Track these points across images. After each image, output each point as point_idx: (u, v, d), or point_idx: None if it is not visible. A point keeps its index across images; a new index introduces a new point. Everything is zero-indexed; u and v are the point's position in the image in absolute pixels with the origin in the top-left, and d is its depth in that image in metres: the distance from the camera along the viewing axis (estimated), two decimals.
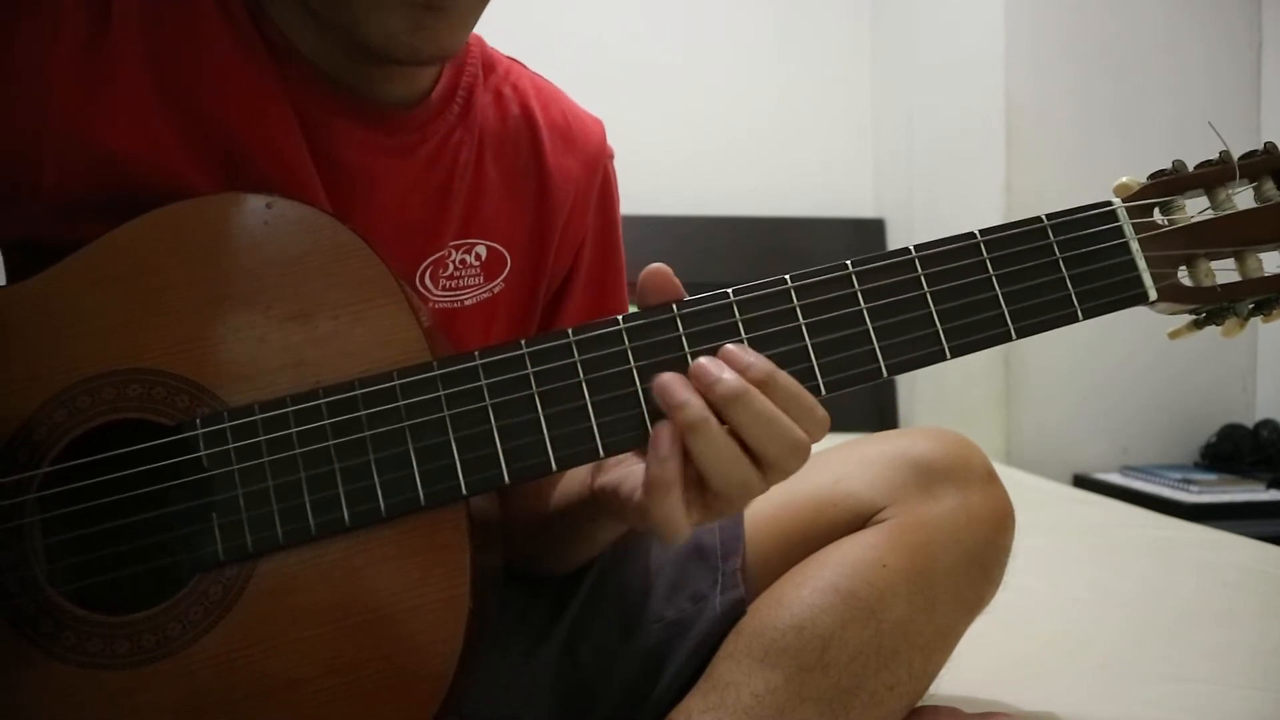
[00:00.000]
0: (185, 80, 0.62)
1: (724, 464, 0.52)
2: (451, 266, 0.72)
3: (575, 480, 0.70)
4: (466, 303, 0.73)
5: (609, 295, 0.81)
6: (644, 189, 2.53)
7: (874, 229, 2.83)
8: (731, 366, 0.53)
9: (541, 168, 0.76)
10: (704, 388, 0.52)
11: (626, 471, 0.59)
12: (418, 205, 0.70)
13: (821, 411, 0.54)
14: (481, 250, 0.73)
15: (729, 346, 0.54)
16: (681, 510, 0.53)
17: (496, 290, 0.74)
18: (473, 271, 0.73)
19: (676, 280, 0.57)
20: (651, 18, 2.80)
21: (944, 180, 2.55)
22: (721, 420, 0.52)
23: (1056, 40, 2.32)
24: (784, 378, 0.53)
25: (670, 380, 0.52)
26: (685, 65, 2.79)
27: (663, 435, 0.52)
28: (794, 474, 0.54)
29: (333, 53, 0.65)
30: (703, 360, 0.53)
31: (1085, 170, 2.21)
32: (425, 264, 0.70)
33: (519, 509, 0.73)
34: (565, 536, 0.72)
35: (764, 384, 0.52)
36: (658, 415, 0.54)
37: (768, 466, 0.53)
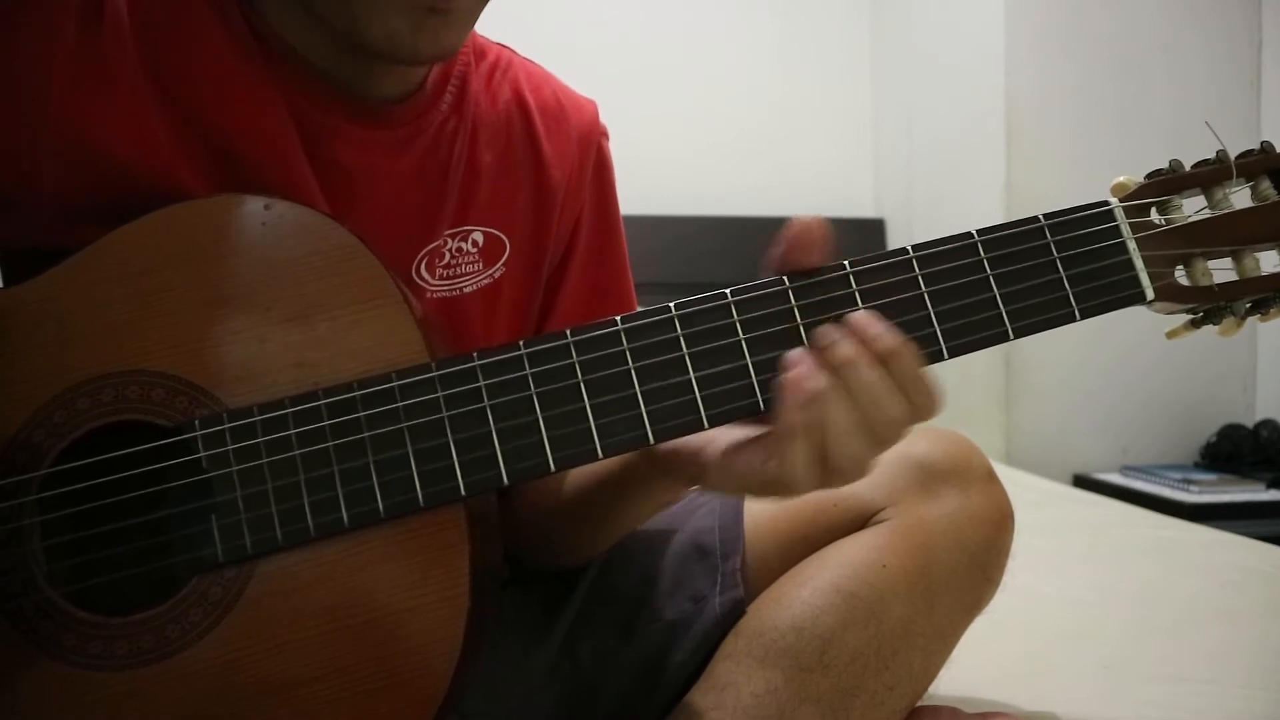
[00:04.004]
0: (180, 81, 0.62)
1: (841, 431, 0.53)
2: (448, 255, 0.72)
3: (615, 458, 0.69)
4: (466, 290, 0.73)
5: (609, 276, 0.81)
6: (644, 189, 2.53)
7: (874, 229, 2.83)
8: (860, 332, 0.54)
9: (535, 149, 0.76)
10: (823, 347, 0.54)
11: (709, 436, 0.58)
12: (413, 197, 0.70)
13: (938, 393, 0.55)
14: (478, 236, 0.73)
15: (860, 313, 0.55)
16: (810, 464, 0.54)
17: (498, 275, 0.74)
18: (470, 258, 0.72)
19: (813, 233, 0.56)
20: (652, 18, 2.80)
21: (944, 180, 2.56)
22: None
23: (1056, 40, 2.32)
24: (910, 353, 0.54)
25: (798, 355, 0.54)
26: (685, 65, 2.79)
27: (792, 391, 0.53)
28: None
29: (327, 50, 0.65)
30: (827, 327, 0.55)
31: (1085, 170, 2.21)
32: (421, 254, 0.70)
33: (540, 494, 0.73)
34: (592, 515, 0.71)
35: (891, 355, 0.54)
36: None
37: (873, 434, 0.54)
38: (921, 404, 0.54)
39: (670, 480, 0.63)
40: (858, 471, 0.55)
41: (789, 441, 0.53)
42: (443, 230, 0.71)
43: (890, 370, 0.54)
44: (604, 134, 0.82)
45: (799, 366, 0.54)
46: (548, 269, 0.78)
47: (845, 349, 0.53)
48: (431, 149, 0.70)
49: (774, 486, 0.55)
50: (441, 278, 0.72)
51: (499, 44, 0.79)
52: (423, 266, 0.71)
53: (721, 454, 0.57)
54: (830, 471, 0.54)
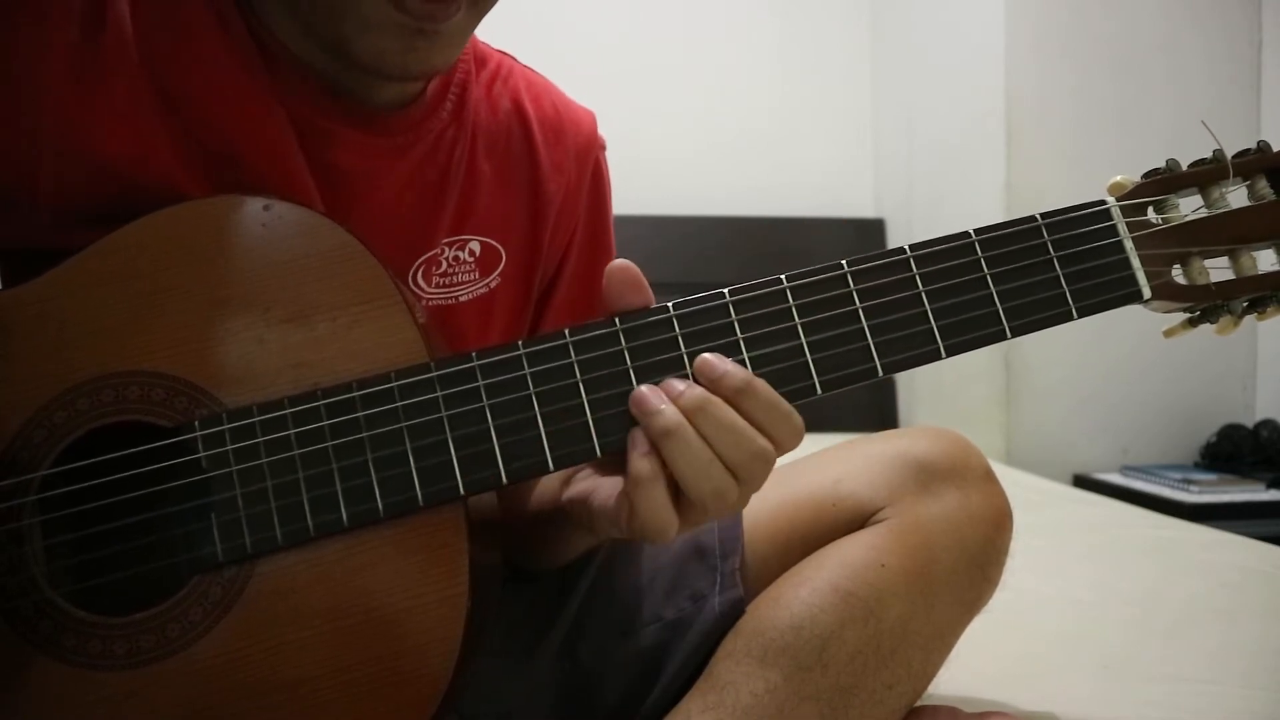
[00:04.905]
0: (180, 86, 0.62)
1: (697, 468, 0.53)
2: (445, 264, 0.72)
3: (547, 492, 0.70)
4: (462, 299, 0.73)
5: (598, 287, 0.82)
6: (644, 189, 2.53)
7: (874, 229, 2.83)
8: (707, 375, 0.54)
9: (534, 161, 0.76)
10: (673, 398, 0.53)
11: (596, 483, 0.59)
12: (411, 204, 0.70)
13: (798, 419, 0.55)
14: (475, 246, 0.73)
15: (706, 355, 0.55)
16: (668, 507, 0.53)
17: (493, 285, 0.74)
18: (467, 268, 0.73)
19: (642, 282, 0.57)
20: (652, 18, 2.80)
21: (944, 180, 2.56)
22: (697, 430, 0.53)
23: (1056, 40, 2.32)
24: (760, 386, 0.54)
25: (645, 391, 0.54)
26: (685, 65, 2.79)
27: (639, 433, 0.54)
28: (765, 482, 0.55)
29: (326, 59, 0.65)
30: (671, 379, 0.54)
31: (1085, 170, 2.21)
32: (418, 262, 0.71)
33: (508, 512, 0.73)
34: (537, 542, 0.73)
35: (741, 392, 0.53)
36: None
37: (737, 473, 0.54)
38: (781, 435, 0.54)
39: (574, 528, 0.64)
40: (721, 504, 0.54)
41: (641, 486, 0.53)
42: (440, 239, 0.71)
43: (743, 407, 0.54)
44: (602, 146, 0.82)
45: (646, 403, 0.54)
46: (540, 280, 0.78)
47: (693, 392, 0.53)
48: (430, 156, 0.71)
49: (644, 532, 0.55)
50: (437, 286, 0.72)
51: (500, 51, 0.79)
52: (419, 275, 0.71)
53: (599, 501, 0.58)
54: (692, 508, 0.54)
